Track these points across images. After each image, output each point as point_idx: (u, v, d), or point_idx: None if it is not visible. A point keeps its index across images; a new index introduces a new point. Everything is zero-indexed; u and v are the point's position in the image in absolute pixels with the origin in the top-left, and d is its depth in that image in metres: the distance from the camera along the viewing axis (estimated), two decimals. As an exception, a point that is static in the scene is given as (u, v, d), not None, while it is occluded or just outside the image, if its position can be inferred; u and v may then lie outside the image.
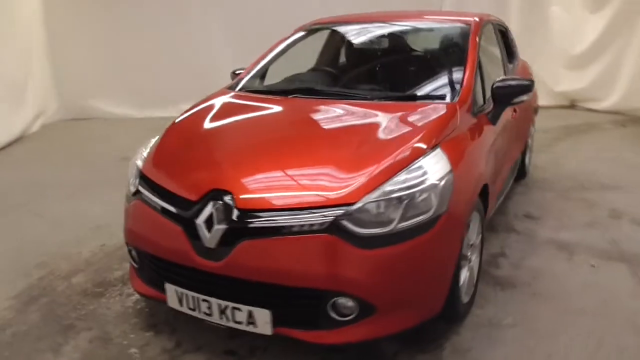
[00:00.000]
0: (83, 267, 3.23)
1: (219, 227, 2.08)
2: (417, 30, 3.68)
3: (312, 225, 2.01)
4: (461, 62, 2.95)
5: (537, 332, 2.51)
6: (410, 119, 2.56)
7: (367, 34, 3.72)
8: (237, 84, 3.35)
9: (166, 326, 2.60)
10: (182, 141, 2.70)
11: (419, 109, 2.65)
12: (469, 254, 2.53)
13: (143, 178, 2.48)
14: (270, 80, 3.42)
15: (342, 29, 3.83)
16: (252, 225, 2.06)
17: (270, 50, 3.60)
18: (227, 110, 3.01)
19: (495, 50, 3.69)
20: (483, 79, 3.04)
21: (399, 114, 2.60)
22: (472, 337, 2.48)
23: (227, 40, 7.59)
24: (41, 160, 5.80)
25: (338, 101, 2.85)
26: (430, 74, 3.05)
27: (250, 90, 3.24)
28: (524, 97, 2.91)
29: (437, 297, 2.27)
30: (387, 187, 2.08)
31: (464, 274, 2.48)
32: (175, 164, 2.50)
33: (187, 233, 2.16)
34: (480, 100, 2.91)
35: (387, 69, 3.38)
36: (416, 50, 3.57)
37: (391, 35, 3.64)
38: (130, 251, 2.56)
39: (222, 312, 2.16)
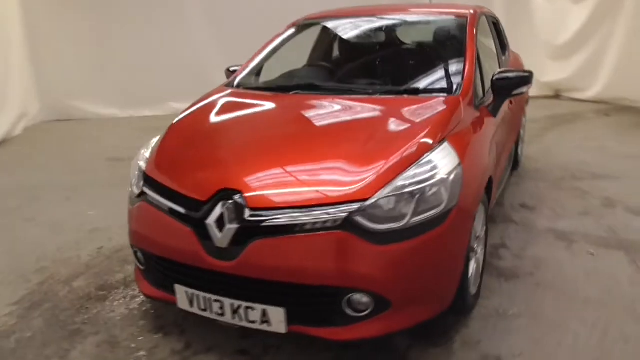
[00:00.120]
0: (83, 270, 3.18)
1: (231, 227, 2.06)
2: (414, 24, 3.69)
3: (325, 222, 2.01)
4: (461, 55, 2.96)
5: (543, 322, 2.55)
6: (415, 113, 2.56)
7: (364, 28, 3.70)
8: (234, 81, 3.32)
9: (174, 328, 2.58)
10: (185, 141, 2.67)
11: (423, 103, 2.65)
12: (475, 245, 2.55)
13: (147, 179, 2.44)
14: (267, 76, 3.40)
15: (338, 23, 3.80)
16: (264, 224, 2.04)
17: (265, 46, 3.57)
18: (228, 108, 2.98)
19: (490, 42, 3.71)
20: (482, 71, 3.05)
21: (403, 108, 2.60)
22: (481, 329, 2.50)
23: (213, 37, 7.53)
24: (28, 163, 5.68)
25: (340, 97, 2.84)
26: (431, 68, 3.05)
27: (250, 88, 3.22)
28: (524, 89, 2.94)
29: (449, 290, 2.28)
30: (399, 182, 2.08)
31: (472, 266, 2.50)
32: (180, 164, 2.46)
33: (197, 234, 2.14)
34: (480, 93, 2.93)
35: (387, 63, 3.37)
36: (415, 44, 3.58)
37: (388, 29, 3.63)
38: (135, 253, 2.52)
39: (235, 311, 2.14)
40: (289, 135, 2.58)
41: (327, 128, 2.61)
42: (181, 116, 2.91)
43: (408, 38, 3.63)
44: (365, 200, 2.02)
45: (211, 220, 2.10)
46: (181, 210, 2.21)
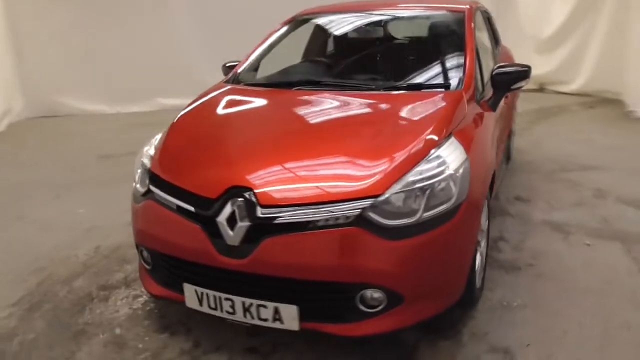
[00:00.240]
0: (81, 270, 3.13)
1: (242, 225, 2.05)
2: (412, 18, 3.68)
3: (338, 218, 2.01)
4: (461, 50, 2.98)
5: (548, 312, 2.59)
6: (420, 108, 2.57)
7: (363, 22, 3.70)
8: (234, 77, 3.29)
9: (180, 326, 2.56)
10: (190, 138, 2.64)
11: (426, 99, 2.66)
12: (480, 239, 2.58)
13: (153, 177, 2.41)
14: (268, 72, 3.37)
15: (337, 17, 3.78)
16: (277, 221, 2.03)
17: (264, 41, 3.54)
18: (231, 104, 2.95)
19: (485, 37, 3.74)
20: (480, 66, 3.07)
21: (408, 103, 2.61)
22: (488, 321, 2.54)
23: (199, 32, 7.43)
24: (15, 161, 5.57)
25: (344, 92, 2.84)
26: (432, 63, 3.06)
27: (251, 84, 3.19)
28: (522, 83, 2.98)
29: (459, 283, 2.31)
30: (410, 177, 2.09)
31: (478, 259, 2.53)
32: (187, 162, 2.43)
33: (207, 231, 2.12)
34: (480, 87, 2.95)
35: (389, 59, 3.37)
36: (415, 39, 3.58)
37: (387, 24, 3.63)
38: (141, 252, 2.50)
39: (247, 309, 2.13)
40: (294, 131, 2.57)
41: (333, 123, 2.60)
42: (183, 112, 2.87)
43: (409, 33, 3.63)
44: (377, 196, 2.03)
45: (222, 218, 2.08)
46: (190, 208, 2.18)
